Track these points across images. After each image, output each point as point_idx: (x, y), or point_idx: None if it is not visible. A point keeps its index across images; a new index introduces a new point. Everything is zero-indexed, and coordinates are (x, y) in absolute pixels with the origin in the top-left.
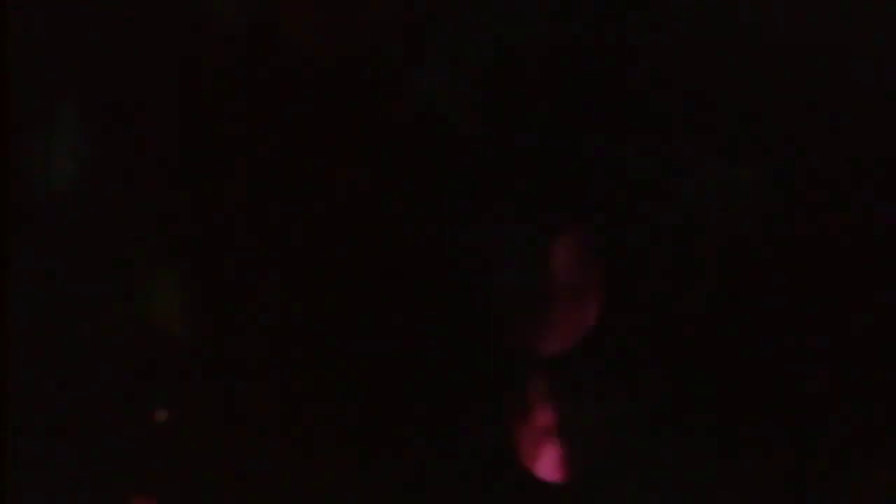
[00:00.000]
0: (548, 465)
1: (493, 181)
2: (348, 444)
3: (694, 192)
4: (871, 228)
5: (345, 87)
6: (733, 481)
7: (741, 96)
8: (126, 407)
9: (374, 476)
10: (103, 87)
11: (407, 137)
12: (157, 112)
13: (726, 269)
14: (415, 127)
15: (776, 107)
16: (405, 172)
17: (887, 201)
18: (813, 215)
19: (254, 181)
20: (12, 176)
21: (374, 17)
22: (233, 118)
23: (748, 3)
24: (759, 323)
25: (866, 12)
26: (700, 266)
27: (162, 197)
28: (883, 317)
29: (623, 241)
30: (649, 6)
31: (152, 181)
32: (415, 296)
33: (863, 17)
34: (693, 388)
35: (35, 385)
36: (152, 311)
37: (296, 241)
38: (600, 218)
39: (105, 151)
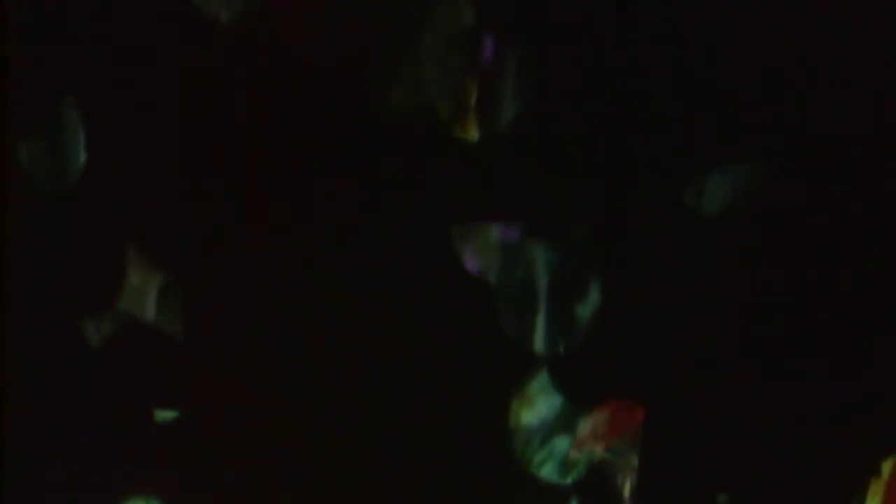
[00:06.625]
0: None
1: None
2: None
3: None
4: None
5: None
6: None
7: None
8: (126, 407)
9: (374, 475)
10: (102, 88)
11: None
12: (156, 112)
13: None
14: None
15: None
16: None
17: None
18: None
19: (253, 181)
20: (12, 176)
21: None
22: (231, 118)
23: None
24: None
25: None
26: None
27: (160, 196)
28: None
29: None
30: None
31: (151, 181)
32: (414, 295)
33: None
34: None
35: (34, 385)
36: (151, 310)
37: (295, 239)
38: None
39: (104, 151)
